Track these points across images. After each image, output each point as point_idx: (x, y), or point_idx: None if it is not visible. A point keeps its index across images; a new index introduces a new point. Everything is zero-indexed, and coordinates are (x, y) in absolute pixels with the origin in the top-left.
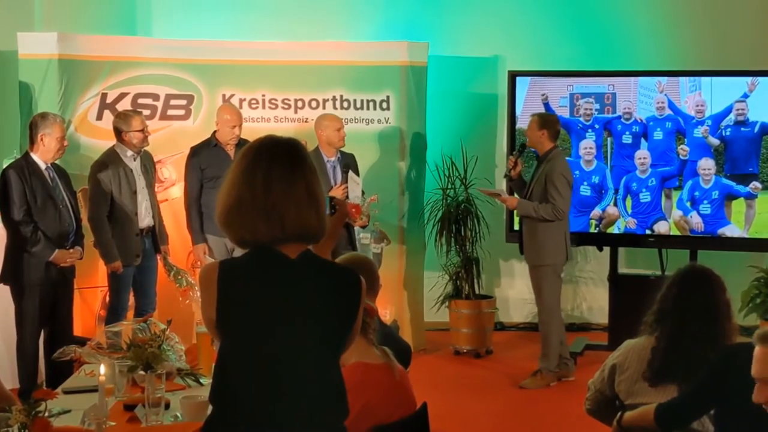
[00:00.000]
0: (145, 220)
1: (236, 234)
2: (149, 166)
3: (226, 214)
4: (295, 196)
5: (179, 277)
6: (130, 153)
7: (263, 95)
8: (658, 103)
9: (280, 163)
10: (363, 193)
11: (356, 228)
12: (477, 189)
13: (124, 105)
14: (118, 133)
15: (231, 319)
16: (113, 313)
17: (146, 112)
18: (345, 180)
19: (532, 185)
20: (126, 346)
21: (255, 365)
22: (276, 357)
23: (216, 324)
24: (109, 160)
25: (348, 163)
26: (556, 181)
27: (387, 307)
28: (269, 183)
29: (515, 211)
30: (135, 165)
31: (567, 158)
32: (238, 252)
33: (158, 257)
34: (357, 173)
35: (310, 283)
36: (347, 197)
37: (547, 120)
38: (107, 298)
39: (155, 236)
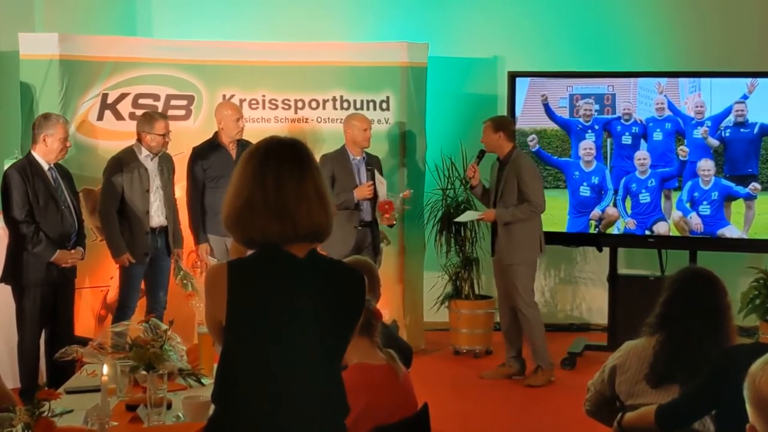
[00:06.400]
0: (157, 219)
1: (245, 235)
2: (167, 167)
3: (236, 216)
4: (305, 196)
5: (185, 281)
6: (146, 153)
7: (263, 95)
8: (657, 104)
9: (288, 163)
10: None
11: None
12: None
13: (125, 105)
14: (139, 132)
15: (240, 319)
16: (120, 310)
17: None
18: (369, 178)
19: (500, 189)
20: (128, 347)
21: (259, 365)
22: (281, 356)
23: (224, 325)
24: (125, 157)
25: (372, 163)
26: (527, 178)
27: (386, 307)
28: (280, 183)
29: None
30: (151, 165)
31: (566, 159)
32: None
33: (172, 258)
34: (382, 175)
35: (318, 282)
36: (375, 195)
37: (500, 122)
38: (108, 298)
39: (168, 237)
